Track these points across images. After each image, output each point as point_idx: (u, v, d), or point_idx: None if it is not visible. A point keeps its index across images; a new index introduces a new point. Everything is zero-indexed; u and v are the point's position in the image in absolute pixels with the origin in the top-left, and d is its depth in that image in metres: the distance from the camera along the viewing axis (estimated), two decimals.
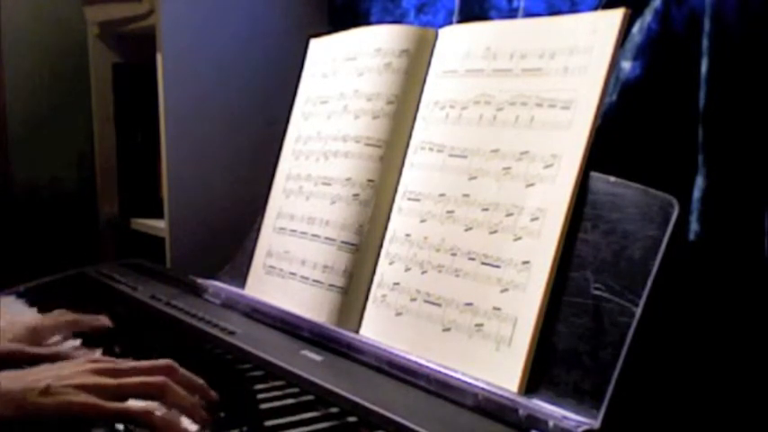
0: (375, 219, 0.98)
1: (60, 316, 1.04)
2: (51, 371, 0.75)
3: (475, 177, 0.88)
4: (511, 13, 1.12)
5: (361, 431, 0.75)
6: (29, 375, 0.74)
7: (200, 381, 0.78)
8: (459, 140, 0.91)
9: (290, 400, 0.81)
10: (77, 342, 1.00)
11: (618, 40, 0.79)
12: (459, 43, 0.95)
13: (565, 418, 0.69)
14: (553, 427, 0.69)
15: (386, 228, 0.96)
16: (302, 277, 1.05)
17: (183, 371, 0.78)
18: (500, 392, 0.75)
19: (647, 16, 0.94)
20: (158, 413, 0.73)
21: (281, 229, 1.12)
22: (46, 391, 0.70)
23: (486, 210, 0.85)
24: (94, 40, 1.70)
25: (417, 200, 0.93)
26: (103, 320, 1.03)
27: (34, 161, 1.77)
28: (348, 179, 1.02)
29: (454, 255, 0.87)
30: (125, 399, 0.73)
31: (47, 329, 1.00)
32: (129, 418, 0.72)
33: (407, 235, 0.93)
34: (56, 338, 1.01)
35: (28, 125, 1.76)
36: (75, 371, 0.74)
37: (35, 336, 0.98)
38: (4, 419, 0.68)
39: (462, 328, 0.83)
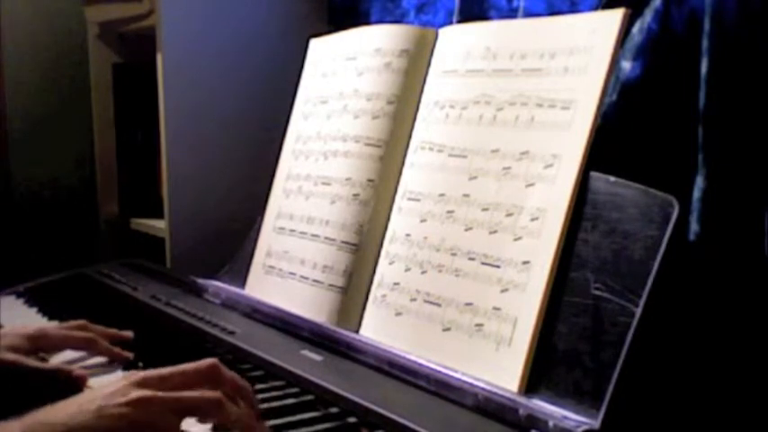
0: (375, 219, 0.98)
1: (75, 329, 0.97)
2: (97, 393, 0.70)
3: (475, 177, 0.88)
4: (511, 13, 1.12)
5: (362, 431, 0.75)
6: (73, 403, 0.68)
7: (246, 384, 0.75)
8: (459, 140, 0.91)
9: (290, 400, 0.81)
10: (103, 359, 0.95)
11: (618, 40, 0.79)
12: (459, 43, 0.95)
13: (565, 418, 0.69)
14: (553, 427, 0.69)
15: (386, 228, 0.96)
16: (302, 277, 1.05)
17: (226, 372, 0.74)
18: (500, 392, 0.75)
19: (647, 16, 0.94)
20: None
21: (281, 228, 1.12)
22: (97, 413, 0.65)
23: (486, 210, 0.85)
24: (94, 40, 1.70)
25: (417, 200, 0.93)
26: (124, 353, 0.95)
27: (34, 161, 1.77)
28: (348, 179, 1.02)
29: (454, 255, 0.87)
30: (182, 415, 0.69)
31: (52, 340, 0.95)
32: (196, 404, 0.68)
33: (407, 235, 0.93)
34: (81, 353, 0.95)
35: (28, 125, 1.76)
36: (121, 387, 0.69)
37: (36, 345, 0.93)
38: None
39: (462, 328, 0.83)
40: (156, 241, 1.47)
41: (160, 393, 0.68)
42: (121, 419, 0.65)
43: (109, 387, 0.70)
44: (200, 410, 0.70)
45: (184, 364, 0.74)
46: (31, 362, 0.91)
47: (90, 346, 0.95)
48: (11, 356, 0.89)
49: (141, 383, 0.69)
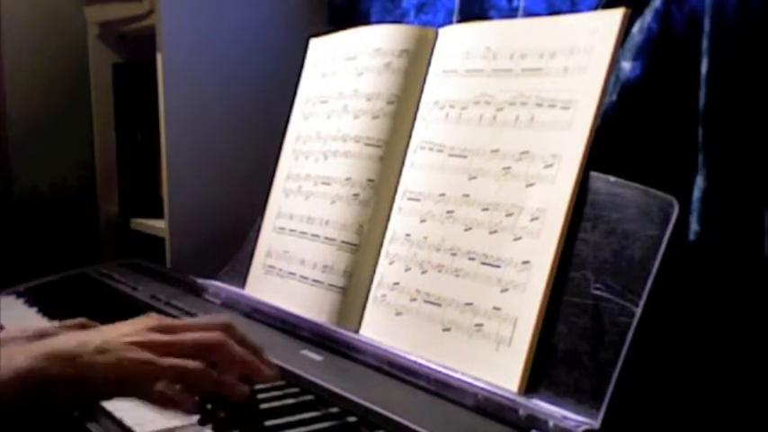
0: (375, 219, 0.98)
1: (75, 327, 0.98)
2: (106, 331, 0.74)
3: (475, 177, 0.88)
4: (511, 13, 1.12)
5: (362, 431, 0.75)
6: (83, 335, 0.72)
7: (257, 345, 0.76)
8: (459, 140, 0.91)
9: (290, 400, 0.81)
10: None
11: (618, 40, 0.79)
12: (459, 43, 0.95)
13: (565, 418, 0.69)
14: (553, 427, 0.69)
15: (386, 228, 0.96)
16: (302, 277, 1.05)
17: (240, 330, 0.76)
18: (500, 392, 0.75)
19: (647, 16, 0.94)
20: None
21: (281, 228, 1.12)
22: (101, 348, 0.68)
23: (486, 210, 0.85)
24: (94, 40, 1.70)
25: (417, 200, 0.93)
26: None
27: (34, 161, 1.76)
28: (348, 179, 1.02)
29: (454, 255, 0.87)
30: (181, 356, 0.71)
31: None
32: (185, 373, 0.70)
33: (407, 235, 0.93)
34: None
35: (28, 125, 1.76)
36: (131, 329, 0.73)
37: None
38: (59, 377, 0.67)
39: (462, 328, 0.83)
40: (156, 241, 1.47)
41: (158, 336, 0.72)
42: (120, 360, 0.68)
43: (120, 327, 0.74)
44: (200, 352, 0.72)
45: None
46: None
47: None
48: None
49: (151, 328, 0.73)
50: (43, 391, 0.66)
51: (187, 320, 0.76)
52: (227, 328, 0.75)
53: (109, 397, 0.73)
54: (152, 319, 0.76)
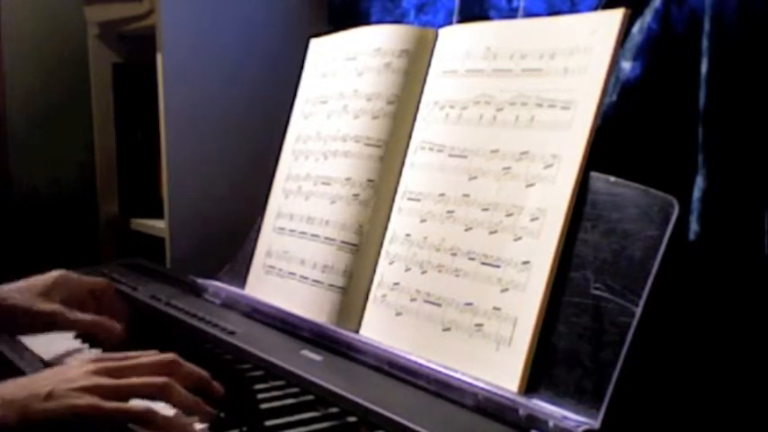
0: (375, 219, 0.98)
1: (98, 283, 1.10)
2: (55, 375, 0.77)
3: (475, 177, 0.88)
4: (511, 13, 1.12)
5: (361, 431, 0.75)
6: (33, 382, 0.75)
7: (204, 374, 0.80)
8: (459, 140, 0.91)
9: (290, 400, 0.82)
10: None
11: (618, 40, 0.79)
12: (459, 43, 0.95)
13: (565, 418, 0.69)
14: (553, 427, 0.69)
15: (386, 228, 0.96)
16: (302, 277, 1.05)
17: (186, 365, 0.79)
18: (500, 392, 0.75)
19: (647, 16, 0.94)
20: (162, 412, 0.74)
21: (281, 228, 1.12)
22: (49, 396, 0.72)
23: (486, 210, 0.85)
24: (94, 40, 1.70)
25: (417, 200, 0.93)
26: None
27: (34, 161, 1.77)
28: (348, 179, 1.02)
29: (454, 255, 0.87)
30: (127, 399, 0.75)
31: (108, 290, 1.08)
32: (131, 417, 0.73)
33: (407, 235, 0.93)
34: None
35: (28, 125, 1.76)
36: (78, 373, 0.76)
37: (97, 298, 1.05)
38: (10, 427, 0.71)
39: (462, 328, 0.83)
40: (156, 241, 1.47)
41: (105, 381, 0.75)
42: (67, 407, 0.72)
43: (68, 370, 0.77)
44: (145, 394, 0.76)
45: (144, 356, 0.81)
46: (73, 315, 0.99)
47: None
48: (55, 307, 0.99)
49: (97, 371, 0.76)
50: None
51: (133, 360, 0.79)
52: (173, 366, 0.79)
53: None
54: (97, 363, 0.78)
